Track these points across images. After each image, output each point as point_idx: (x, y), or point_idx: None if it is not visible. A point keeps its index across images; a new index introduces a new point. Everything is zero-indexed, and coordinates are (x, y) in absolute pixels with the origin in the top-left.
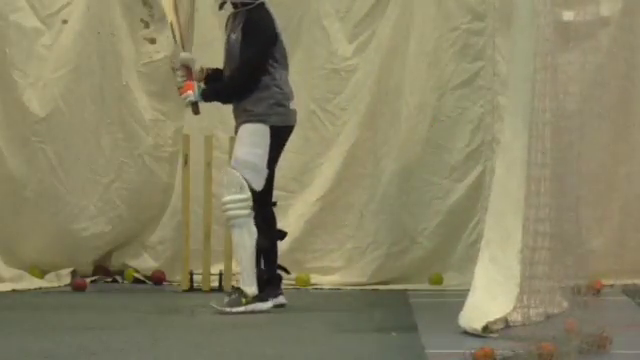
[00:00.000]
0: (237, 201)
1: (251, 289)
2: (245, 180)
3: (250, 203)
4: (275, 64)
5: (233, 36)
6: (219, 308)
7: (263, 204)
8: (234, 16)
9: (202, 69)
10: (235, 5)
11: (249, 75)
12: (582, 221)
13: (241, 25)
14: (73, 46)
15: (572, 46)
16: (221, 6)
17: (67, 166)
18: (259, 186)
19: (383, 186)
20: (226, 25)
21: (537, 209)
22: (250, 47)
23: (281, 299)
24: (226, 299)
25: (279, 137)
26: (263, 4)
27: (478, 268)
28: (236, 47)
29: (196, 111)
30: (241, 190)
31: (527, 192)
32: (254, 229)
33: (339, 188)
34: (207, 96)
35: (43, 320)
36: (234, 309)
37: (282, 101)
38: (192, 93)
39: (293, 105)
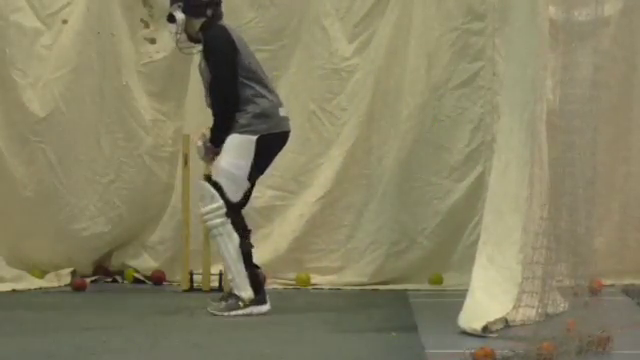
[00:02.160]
0: (210, 211)
1: (247, 293)
2: (220, 189)
3: (223, 210)
4: (249, 74)
5: (202, 64)
6: (217, 313)
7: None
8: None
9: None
10: (191, 39)
11: (224, 89)
12: (582, 221)
13: (202, 51)
14: (73, 46)
15: (571, 46)
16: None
17: (67, 166)
18: (235, 198)
19: (383, 186)
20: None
21: (537, 209)
22: (212, 65)
23: None
24: (223, 304)
25: (269, 145)
26: (216, 23)
27: (476, 268)
28: (206, 72)
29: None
30: (212, 200)
31: (528, 192)
32: (234, 234)
33: (339, 188)
34: (214, 140)
35: (43, 320)
36: (232, 312)
37: (269, 109)
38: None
39: (284, 112)
